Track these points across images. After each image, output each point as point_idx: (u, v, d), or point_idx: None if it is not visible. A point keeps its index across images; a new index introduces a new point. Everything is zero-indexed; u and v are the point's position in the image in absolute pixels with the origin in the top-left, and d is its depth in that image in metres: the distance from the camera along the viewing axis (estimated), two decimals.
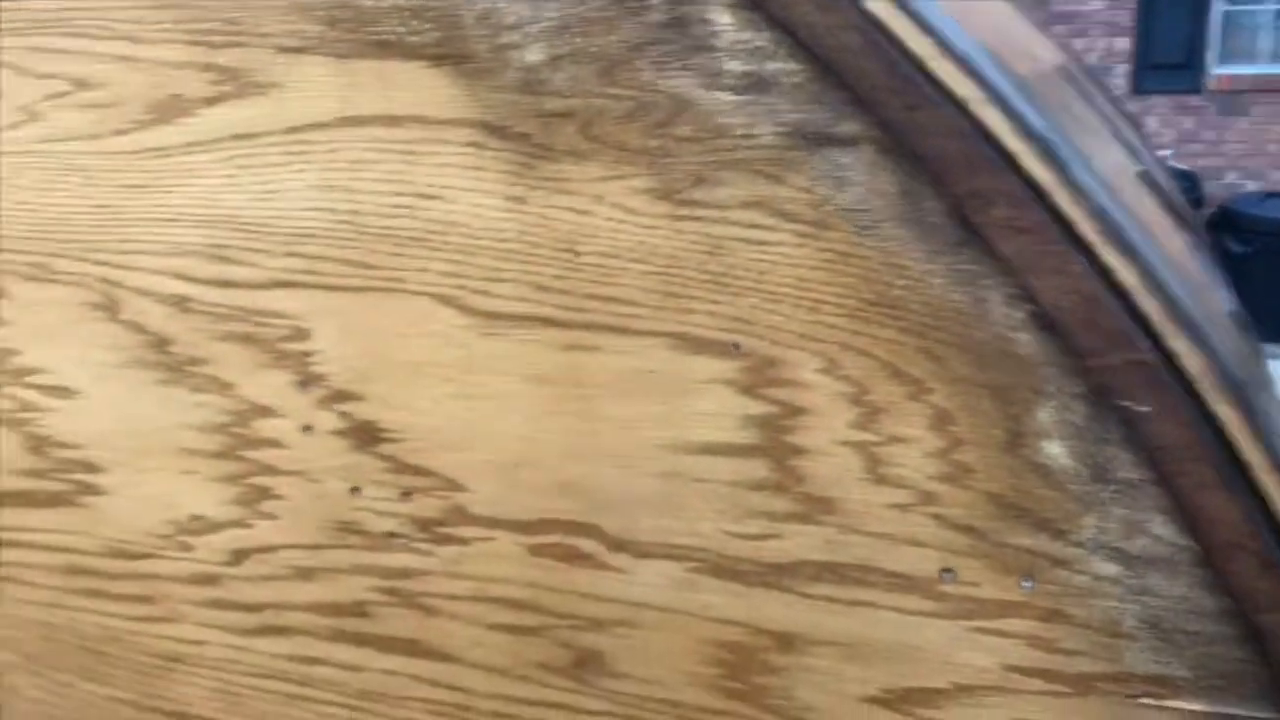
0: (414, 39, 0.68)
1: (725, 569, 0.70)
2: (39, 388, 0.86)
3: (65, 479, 0.88)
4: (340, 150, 0.72)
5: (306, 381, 0.77)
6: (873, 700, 0.67)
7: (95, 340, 0.83)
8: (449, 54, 0.68)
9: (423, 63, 0.69)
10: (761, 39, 0.62)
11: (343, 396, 0.77)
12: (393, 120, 0.70)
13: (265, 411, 0.79)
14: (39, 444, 0.87)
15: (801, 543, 0.67)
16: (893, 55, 0.58)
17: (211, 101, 0.74)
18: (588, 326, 0.69)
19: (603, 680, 0.75)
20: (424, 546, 0.77)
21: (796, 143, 0.62)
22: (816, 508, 0.66)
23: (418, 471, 0.76)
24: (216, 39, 0.73)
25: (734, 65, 0.62)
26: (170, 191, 0.77)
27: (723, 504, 0.69)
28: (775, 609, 0.69)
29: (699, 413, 0.68)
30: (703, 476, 0.69)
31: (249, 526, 0.82)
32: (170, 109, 0.76)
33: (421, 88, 0.69)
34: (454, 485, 0.75)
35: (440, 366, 0.74)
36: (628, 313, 0.68)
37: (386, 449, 0.76)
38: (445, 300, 0.72)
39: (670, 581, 0.71)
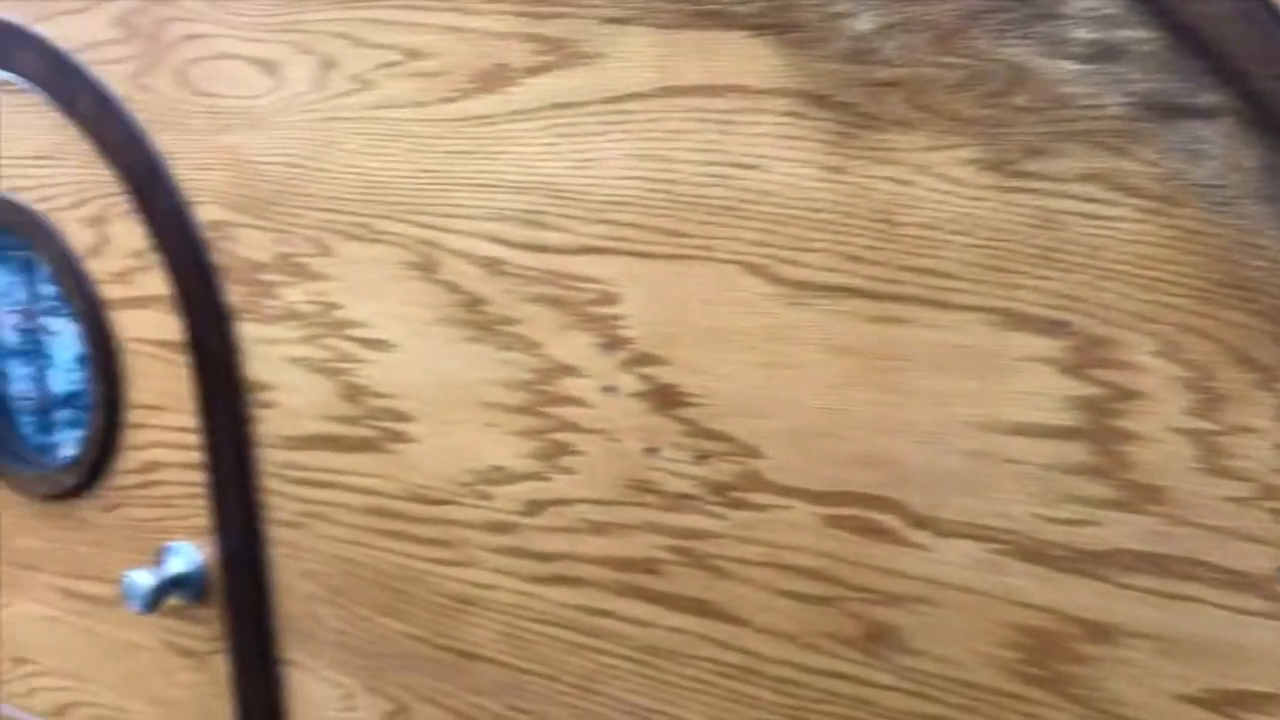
0: (740, 9, 0.69)
1: (1034, 552, 0.68)
2: (357, 340, 0.92)
3: (376, 426, 0.94)
4: (658, 120, 0.74)
5: (611, 344, 0.80)
6: (1193, 700, 0.65)
7: (412, 297, 0.88)
8: (775, 23, 0.68)
9: (746, 32, 0.69)
10: (1112, 6, 0.59)
11: (646, 360, 0.79)
12: (712, 90, 0.71)
13: (569, 371, 0.82)
14: (354, 392, 0.94)
15: (1121, 531, 0.65)
16: (1266, 21, 0.55)
17: (534, 71, 0.77)
18: (900, 299, 0.68)
19: (894, 655, 0.75)
20: (717, 510, 0.79)
21: (1146, 114, 0.59)
22: (1142, 496, 0.64)
23: (715, 436, 0.77)
24: (543, 10, 0.76)
25: (1081, 33, 0.60)
26: (492, 158, 0.81)
27: (1036, 486, 0.67)
28: (1087, 597, 0.67)
29: (1016, 391, 0.66)
30: (1016, 457, 0.67)
31: (546, 480, 0.86)
32: (495, 78, 0.79)
33: (743, 57, 0.70)
34: (751, 451, 0.76)
35: (744, 334, 0.74)
36: (945, 286, 0.67)
37: (686, 413, 0.78)
38: (753, 269, 0.73)
39: (973, 561, 0.70)
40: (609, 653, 0.87)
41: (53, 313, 1.17)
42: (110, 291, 1.06)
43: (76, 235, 1.06)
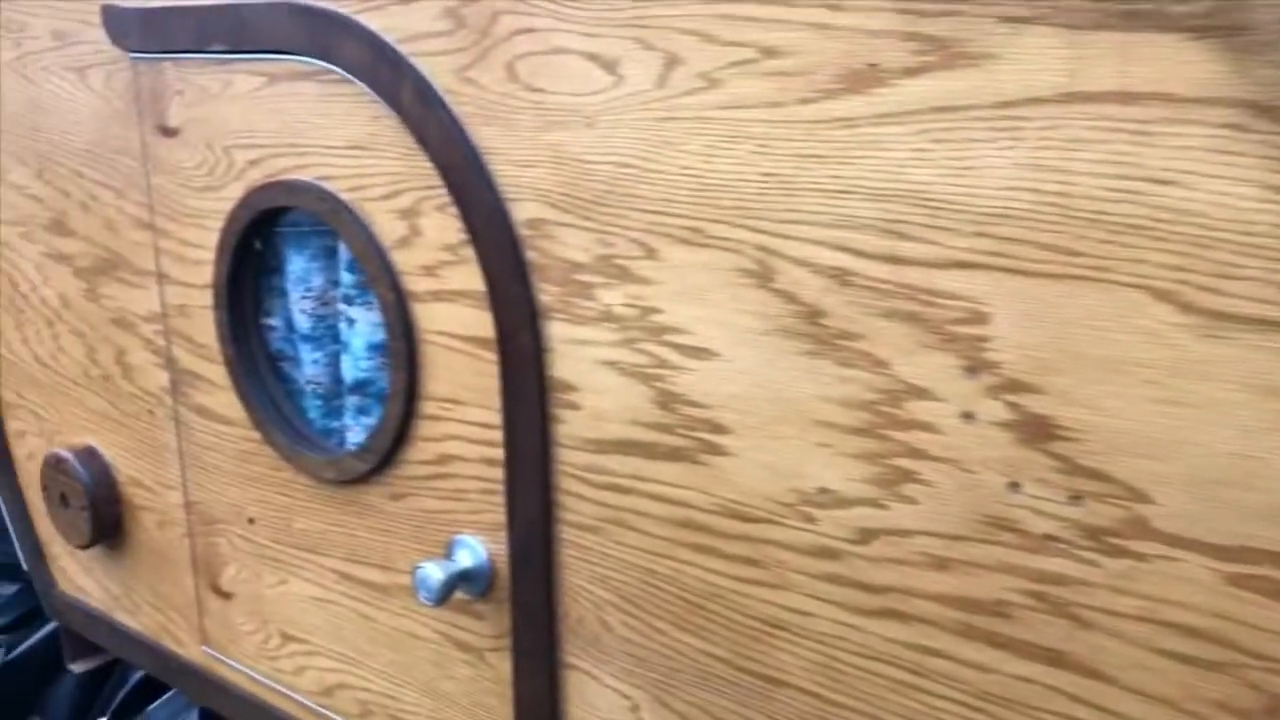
0: (1177, 9, 0.62)
1: None
2: (676, 346, 0.89)
3: (690, 436, 0.90)
4: (1058, 128, 0.67)
5: (975, 367, 0.74)
6: None
7: (741, 305, 0.84)
8: (1219, 25, 0.61)
9: (1181, 35, 0.62)
10: None
11: (1015, 387, 0.73)
12: (1128, 97, 0.65)
13: (921, 393, 0.77)
14: (669, 400, 0.91)
15: None
16: None
17: (912, 72, 0.72)
18: None
19: None
20: (1088, 555, 0.72)
21: None
22: None
23: (1094, 475, 0.71)
24: (929, 7, 0.70)
25: None
26: (848, 163, 0.76)
27: None
28: None
29: None
30: None
31: (883, 507, 0.81)
32: (863, 79, 0.74)
33: (1172, 62, 0.63)
34: (1138, 495, 0.69)
35: (1142, 366, 0.67)
36: None
37: (1059, 447, 0.72)
38: (1161, 295, 0.66)
39: None
40: (937, 694, 0.81)
41: (350, 300, 1.18)
42: (416, 284, 1.06)
43: (386, 226, 1.06)
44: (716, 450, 0.89)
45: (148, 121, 1.27)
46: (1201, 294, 0.65)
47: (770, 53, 0.78)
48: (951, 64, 0.71)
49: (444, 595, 1.05)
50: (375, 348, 1.19)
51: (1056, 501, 0.72)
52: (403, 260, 1.06)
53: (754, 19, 0.78)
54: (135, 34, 1.23)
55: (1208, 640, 0.69)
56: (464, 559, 1.08)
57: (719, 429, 0.88)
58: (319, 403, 1.26)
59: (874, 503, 0.81)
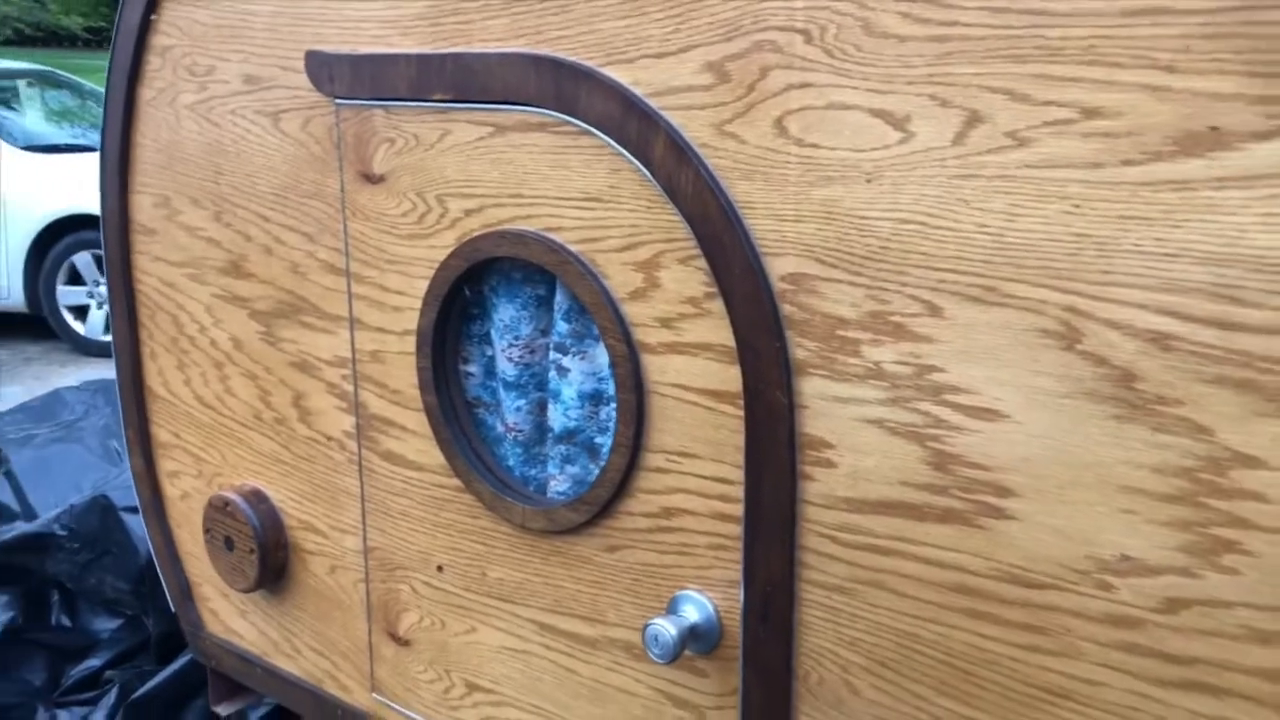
0: None
1: None
2: (957, 406, 0.87)
3: (967, 498, 0.88)
4: None
5: None
6: None
7: (1040, 367, 0.83)
8: None
9: None
10: None
11: None
12: None
13: (1250, 462, 0.75)
14: (944, 460, 0.89)
15: None
16: None
17: (1263, 136, 0.71)
18: None
19: None
20: None
21: None
22: None
23: None
24: None
25: None
26: (1178, 226, 0.75)
27: None
28: None
29: None
30: None
31: (1195, 577, 0.79)
32: (1201, 142, 0.73)
33: None
34: None
35: None
36: None
37: None
38: None
39: None
40: None
41: (564, 350, 1.17)
42: (650, 335, 1.05)
43: (620, 277, 1.06)
44: (999, 514, 0.87)
45: (350, 168, 1.27)
46: None
47: (1093, 113, 0.77)
48: None
49: (678, 652, 1.04)
50: (587, 397, 1.18)
51: None
52: (636, 312, 1.05)
53: (1076, 79, 0.77)
54: (343, 80, 1.24)
55: None
56: (690, 614, 1.07)
57: (1003, 492, 0.87)
58: (519, 450, 1.25)
59: (1185, 571, 0.79)
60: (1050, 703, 0.87)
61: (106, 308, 6.23)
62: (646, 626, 1.04)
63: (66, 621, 2.72)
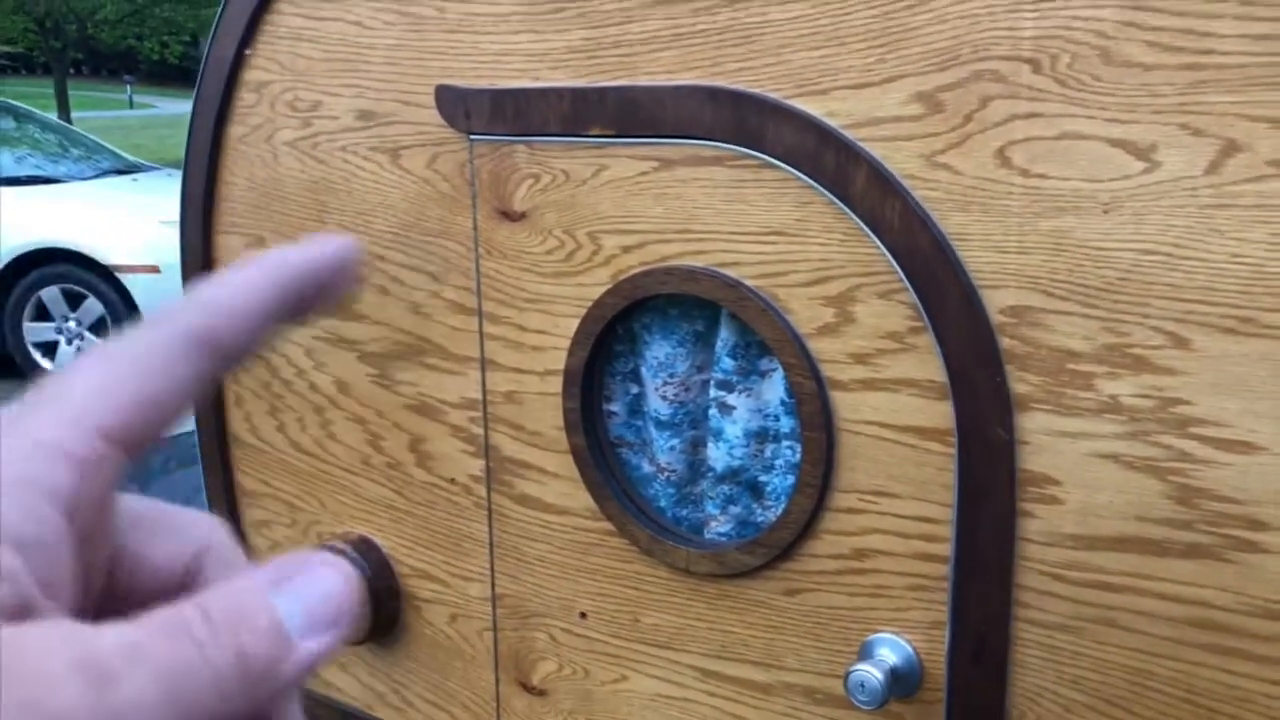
0: None
1: None
2: (1205, 439, 0.86)
3: (1215, 532, 0.87)
4: None
5: None
6: None
7: None
8: None
9: None
10: None
11: None
12: None
13: None
14: (1188, 495, 0.87)
15: None
16: None
17: None
18: None
19: None
20: None
21: None
22: None
23: None
24: None
25: None
26: None
27: None
28: None
29: None
30: None
31: None
32: None
33: None
34: None
35: None
36: None
37: None
38: None
39: None
40: None
41: (729, 387, 1.14)
42: (841, 372, 1.02)
43: (807, 313, 1.03)
44: (1252, 547, 0.85)
45: (486, 205, 1.23)
46: None
47: None
48: None
49: (886, 698, 1.01)
50: (752, 435, 1.15)
51: None
52: (825, 348, 1.03)
53: None
54: (481, 115, 1.20)
55: None
56: (888, 658, 1.04)
57: (1258, 525, 0.85)
58: (671, 491, 1.22)
59: None
60: None
61: (79, 343, 6.08)
62: (850, 673, 1.01)
63: None
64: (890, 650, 1.04)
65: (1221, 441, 0.85)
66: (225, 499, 1.61)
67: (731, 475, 1.17)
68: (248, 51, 1.41)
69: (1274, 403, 0.83)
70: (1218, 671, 0.89)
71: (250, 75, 1.42)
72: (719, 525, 1.19)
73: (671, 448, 1.21)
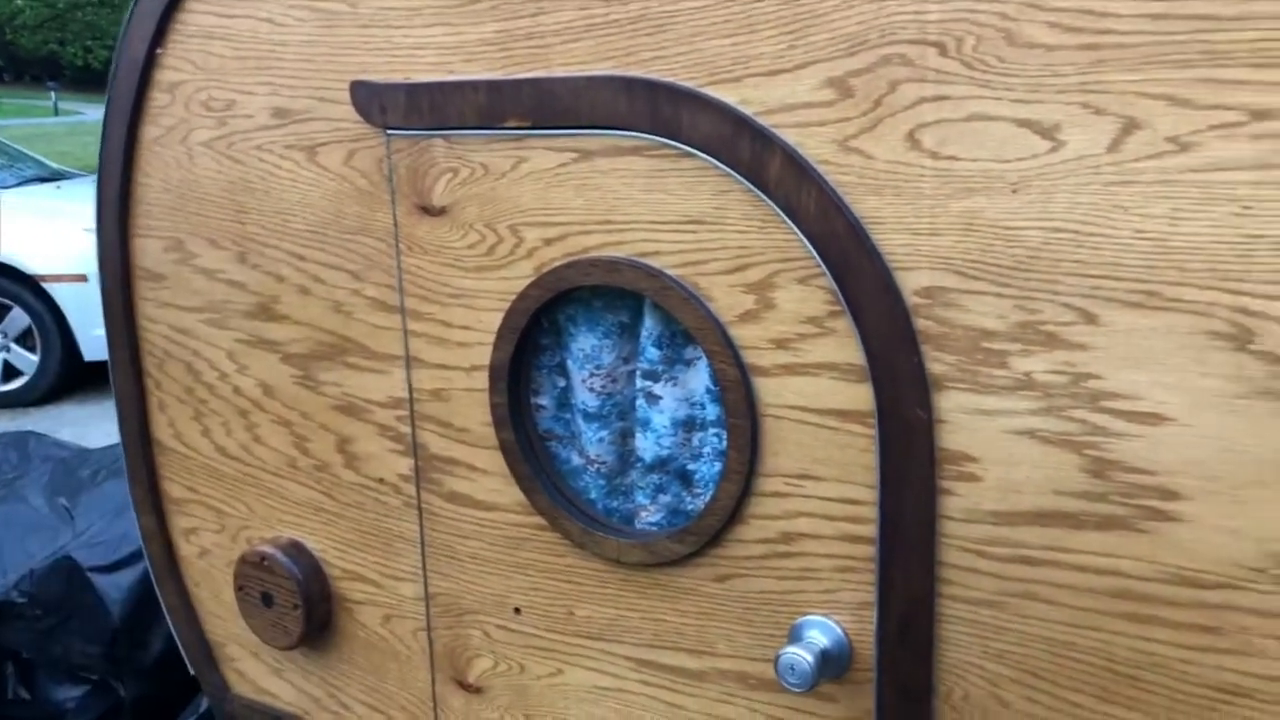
0: None
1: None
2: (1117, 412, 0.87)
3: (1128, 503, 0.88)
4: None
5: None
6: None
7: (1209, 368, 0.83)
8: None
9: None
10: None
11: None
12: None
13: None
14: (1102, 467, 0.89)
15: None
16: None
17: None
18: None
19: None
20: None
21: None
22: None
23: None
24: None
25: None
26: None
27: None
28: None
29: None
30: None
31: None
32: None
33: None
34: None
35: None
36: None
37: None
38: None
39: None
40: None
41: (654, 377, 1.14)
42: (762, 358, 1.03)
43: (728, 300, 1.03)
44: (1164, 517, 0.87)
45: (405, 201, 1.22)
46: None
47: (1263, 115, 0.78)
48: None
49: (816, 680, 1.01)
50: (680, 424, 1.15)
51: None
52: (747, 335, 1.03)
53: (1245, 82, 0.78)
54: (396, 110, 1.19)
55: None
56: (817, 640, 1.05)
57: (1170, 495, 0.87)
58: (602, 483, 1.22)
59: None
60: (1226, 702, 0.88)
61: (4, 355, 5.93)
62: (779, 656, 1.02)
63: (24, 694, 2.56)
64: (820, 632, 1.05)
65: (1133, 414, 0.87)
66: (152, 507, 1.58)
67: (660, 465, 1.17)
68: (159, 51, 1.38)
69: (1181, 374, 0.84)
70: (1135, 639, 0.91)
71: (163, 75, 1.39)
72: (650, 515, 1.19)
73: (600, 439, 1.20)
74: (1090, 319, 0.87)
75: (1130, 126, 0.82)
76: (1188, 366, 0.84)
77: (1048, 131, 0.85)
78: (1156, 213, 0.83)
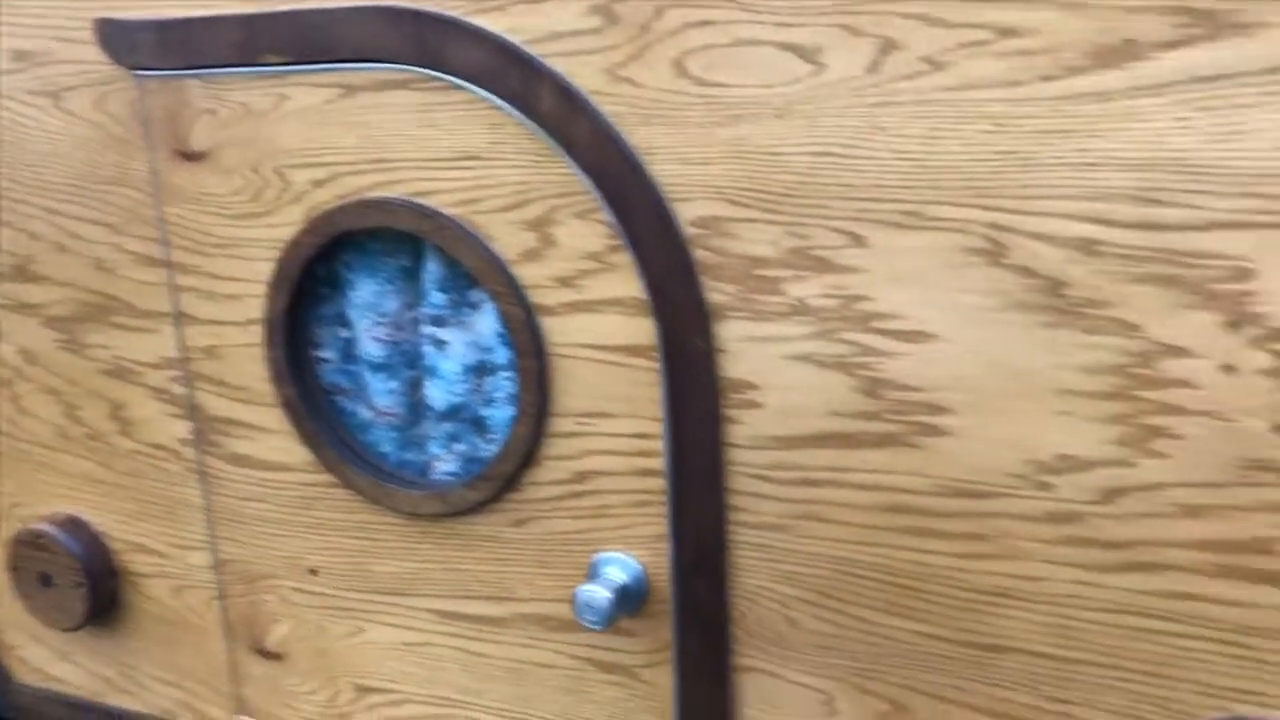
0: None
1: None
2: (885, 332, 0.89)
3: (901, 420, 0.91)
4: None
5: (1239, 322, 0.78)
6: None
7: (968, 284, 0.85)
8: None
9: None
10: None
11: None
12: None
13: (1178, 352, 0.80)
14: (875, 387, 0.91)
15: None
16: None
17: (1172, 45, 0.75)
18: None
19: None
20: None
21: None
22: None
23: None
24: None
25: None
26: (1097, 136, 0.79)
27: None
28: None
29: None
30: None
31: (1130, 466, 0.84)
32: (1117, 54, 0.77)
33: None
34: None
35: None
36: None
37: None
38: None
39: None
40: (1189, 636, 0.86)
41: (440, 322, 1.11)
42: (548, 297, 1.01)
43: (509, 239, 1.01)
44: (934, 431, 0.90)
45: (161, 147, 1.14)
46: None
47: (1009, 33, 0.79)
48: (1218, 35, 0.74)
49: (612, 616, 1.01)
50: (470, 370, 1.12)
51: None
52: (531, 273, 1.01)
53: (991, 1, 0.79)
54: (146, 49, 1.11)
55: None
56: (616, 576, 1.04)
57: (937, 410, 0.89)
58: (394, 435, 1.18)
59: (1121, 463, 0.84)
60: (995, 604, 0.91)
61: None
62: (576, 594, 1.01)
63: None
64: (618, 569, 1.05)
65: (901, 333, 0.89)
66: None
67: (453, 412, 1.14)
68: None
69: (943, 292, 0.86)
70: (912, 552, 0.93)
71: None
72: (445, 465, 1.16)
73: (389, 390, 1.17)
74: (858, 241, 0.88)
75: (888, 47, 0.83)
76: (948, 284, 0.86)
77: (810, 55, 0.86)
78: (914, 133, 0.84)
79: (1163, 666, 0.87)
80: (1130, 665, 0.88)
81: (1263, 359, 0.78)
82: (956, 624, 0.93)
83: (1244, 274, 0.77)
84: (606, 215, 0.96)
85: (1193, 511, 0.83)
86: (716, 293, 0.94)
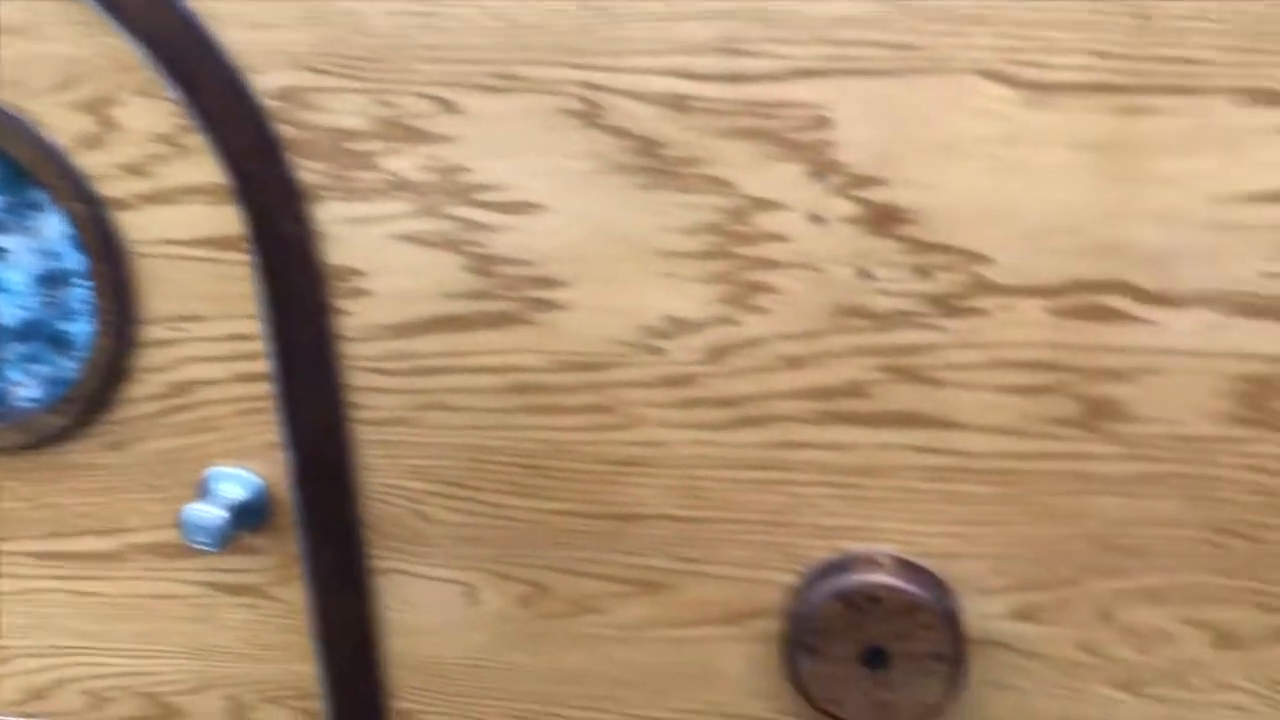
0: None
1: (1260, 309, 0.77)
2: (490, 205, 0.85)
3: (514, 297, 0.87)
4: None
5: (821, 170, 0.79)
6: None
7: (566, 149, 0.82)
8: None
9: None
10: None
11: (862, 182, 0.79)
12: None
13: (768, 205, 0.81)
14: (484, 264, 0.87)
15: None
16: None
17: None
18: (1147, 89, 0.74)
19: (1113, 425, 0.82)
20: (936, 322, 0.82)
21: None
22: None
23: (938, 249, 0.80)
24: None
25: None
26: None
27: (1268, 248, 0.76)
28: None
29: (1257, 162, 0.74)
30: (1250, 223, 0.75)
31: (734, 324, 0.85)
32: None
33: None
34: (977, 258, 0.80)
35: (976, 142, 0.77)
36: (1194, 72, 0.73)
37: (905, 230, 0.80)
38: (992, 75, 0.75)
39: (1199, 326, 0.79)
40: (802, 482, 0.89)
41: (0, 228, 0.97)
42: (115, 188, 0.89)
43: (62, 124, 0.88)
44: (549, 306, 0.87)
45: None
46: (1028, 69, 0.75)
47: None
48: None
49: (228, 535, 0.93)
50: (42, 281, 0.98)
51: (904, 280, 0.81)
52: (92, 163, 0.89)
53: None
54: None
55: (1039, 369, 0.82)
56: (230, 492, 0.96)
57: (549, 284, 0.86)
58: None
59: (725, 321, 0.85)
60: (621, 473, 0.91)
61: None
62: (182, 515, 0.93)
63: None
64: (232, 483, 0.97)
65: (505, 205, 0.85)
66: None
67: (28, 331, 1.00)
68: None
69: (543, 158, 0.83)
70: (539, 430, 0.91)
71: None
72: (27, 391, 1.02)
73: None
74: (450, 108, 0.83)
75: None
76: (549, 149, 0.83)
77: None
78: None
79: (780, 514, 0.90)
80: (751, 518, 0.90)
81: (846, 207, 0.80)
82: (588, 498, 0.92)
83: (823, 122, 0.78)
84: (172, 91, 0.85)
85: (794, 362, 0.85)
86: (307, 171, 0.86)
